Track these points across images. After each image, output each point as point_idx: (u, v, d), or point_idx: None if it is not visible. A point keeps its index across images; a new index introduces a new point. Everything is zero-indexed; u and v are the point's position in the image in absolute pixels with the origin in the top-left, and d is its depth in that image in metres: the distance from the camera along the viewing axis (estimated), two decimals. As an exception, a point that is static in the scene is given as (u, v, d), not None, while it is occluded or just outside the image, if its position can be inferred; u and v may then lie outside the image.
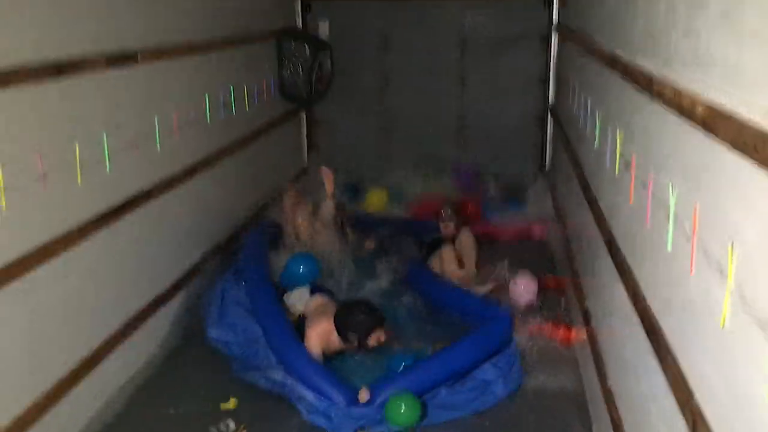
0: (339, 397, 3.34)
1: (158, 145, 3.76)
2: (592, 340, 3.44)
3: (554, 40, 6.28)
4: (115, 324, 3.39)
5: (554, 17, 6.23)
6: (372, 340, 3.80)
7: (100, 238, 3.21)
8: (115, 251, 3.40)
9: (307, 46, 6.04)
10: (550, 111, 6.46)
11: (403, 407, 3.28)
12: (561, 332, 4.16)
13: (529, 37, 6.44)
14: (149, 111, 3.69)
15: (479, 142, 6.78)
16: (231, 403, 3.45)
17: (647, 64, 2.35)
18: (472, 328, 3.95)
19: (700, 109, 1.66)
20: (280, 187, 5.62)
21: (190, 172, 4.15)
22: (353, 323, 3.78)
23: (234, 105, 4.91)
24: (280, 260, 4.62)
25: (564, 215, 5.15)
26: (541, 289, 4.61)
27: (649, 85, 2.23)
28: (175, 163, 3.97)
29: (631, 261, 2.60)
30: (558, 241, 5.14)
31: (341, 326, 3.78)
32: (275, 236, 4.99)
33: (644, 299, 2.33)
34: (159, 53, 3.74)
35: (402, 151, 6.77)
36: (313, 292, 4.23)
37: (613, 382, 2.93)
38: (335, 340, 3.81)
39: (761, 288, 1.35)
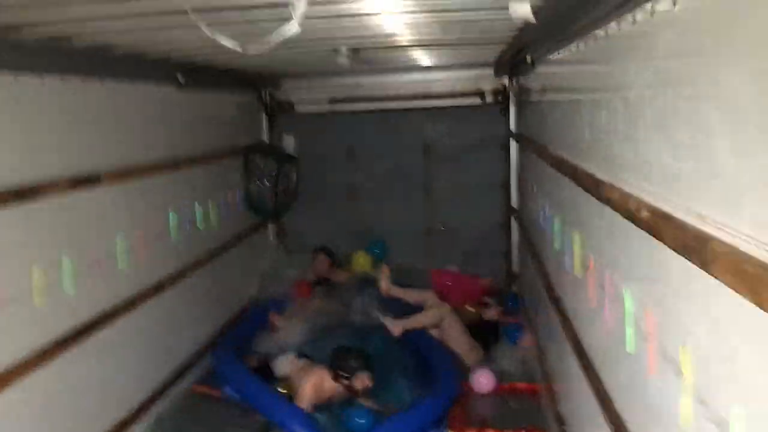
0: None
1: (122, 264, 3.73)
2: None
3: (513, 146, 6.50)
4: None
5: (511, 125, 6.46)
6: (357, 382, 4.23)
7: (62, 361, 3.12)
8: (77, 374, 3.30)
9: (273, 160, 6.16)
10: (514, 215, 6.59)
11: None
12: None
13: (489, 144, 6.65)
14: (112, 230, 3.69)
15: (447, 248, 6.85)
16: None
17: (595, 169, 2.44)
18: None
19: (644, 213, 1.72)
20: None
21: (155, 289, 4.10)
22: (346, 364, 4.23)
23: (200, 220, 4.94)
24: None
25: (533, 319, 5.15)
26: (514, 395, 4.61)
27: (597, 189, 2.31)
28: (139, 282, 3.94)
29: (596, 363, 2.59)
30: (531, 348, 5.13)
31: (335, 365, 4.25)
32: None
33: (611, 401, 2.32)
34: (123, 174, 3.78)
35: (372, 256, 6.80)
36: (300, 357, 4.69)
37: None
38: (327, 388, 4.24)
39: (717, 389, 1.36)
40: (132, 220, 3.92)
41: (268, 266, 6.52)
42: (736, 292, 1.15)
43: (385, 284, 5.45)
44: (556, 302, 3.59)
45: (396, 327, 5.12)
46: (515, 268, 6.67)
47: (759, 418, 1.17)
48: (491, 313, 5.50)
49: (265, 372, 4.65)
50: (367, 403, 4.35)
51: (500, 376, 4.78)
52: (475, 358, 5.07)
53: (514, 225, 6.63)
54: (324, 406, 4.26)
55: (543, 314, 4.42)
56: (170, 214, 4.45)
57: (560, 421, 3.64)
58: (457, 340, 5.16)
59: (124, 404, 3.73)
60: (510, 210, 6.68)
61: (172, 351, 4.39)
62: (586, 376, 2.73)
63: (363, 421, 4.14)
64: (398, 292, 5.50)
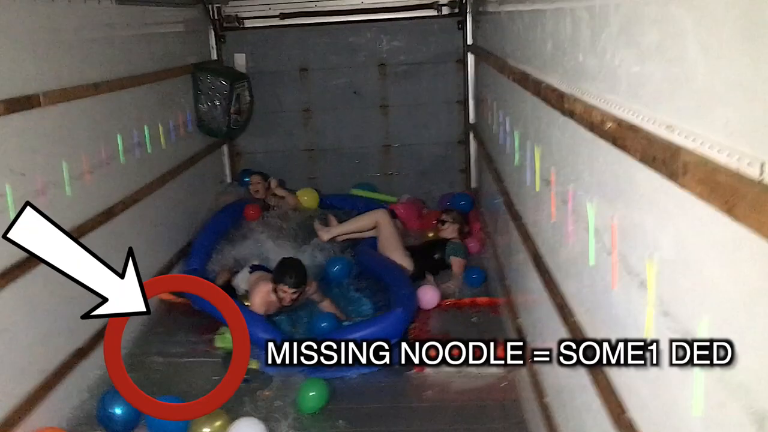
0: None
1: (68, 191, 3.59)
2: (526, 356, 3.44)
3: (470, 60, 6.38)
4: (31, 385, 3.19)
5: (468, 39, 6.32)
6: (279, 290, 4.28)
7: (7, 292, 3.02)
8: (27, 305, 3.20)
9: (224, 79, 5.93)
10: (472, 131, 6.54)
11: (313, 393, 3.61)
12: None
13: (445, 59, 6.51)
14: (56, 155, 3.52)
15: (405, 166, 6.80)
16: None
17: (558, 82, 2.38)
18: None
19: (609, 125, 1.67)
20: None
21: (105, 216, 3.97)
22: (285, 278, 4.27)
23: (149, 143, 4.76)
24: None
25: (492, 234, 5.18)
26: (476, 308, 4.69)
27: (560, 102, 2.25)
28: (88, 208, 3.80)
29: (558, 278, 2.60)
30: (491, 260, 5.17)
31: (276, 280, 4.30)
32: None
33: (572, 315, 2.33)
34: (64, 94, 3.58)
35: (329, 178, 6.71)
36: (252, 271, 4.75)
37: (549, 397, 2.93)
38: (275, 301, 4.35)
39: (681, 300, 1.35)
40: (76, 144, 3.75)
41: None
42: (707, 203, 1.12)
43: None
44: (516, 218, 3.58)
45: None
46: (474, 184, 6.67)
47: (723, 329, 1.16)
48: (449, 232, 5.50)
49: (230, 290, 4.73)
50: (329, 309, 4.57)
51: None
52: (406, 267, 5.12)
53: (472, 141, 6.58)
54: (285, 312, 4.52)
55: (503, 230, 4.44)
56: (117, 137, 4.27)
57: (520, 333, 3.70)
58: (391, 244, 5.25)
59: (78, 334, 3.65)
60: (468, 126, 6.62)
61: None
62: (546, 290, 2.74)
63: (325, 324, 4.33)
64: (340, 230, 5.50)
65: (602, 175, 1.89)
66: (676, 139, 1.27)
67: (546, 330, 2.92)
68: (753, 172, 0.99)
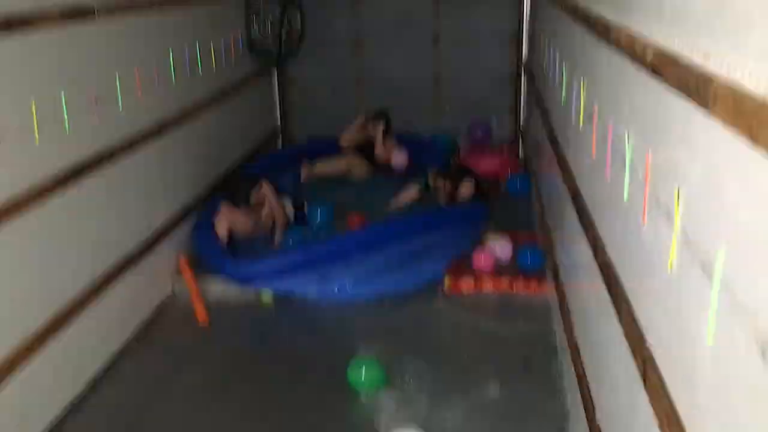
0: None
1: (120, 104, 3.69)
2: (561, 293, 3.48)
3: (527, -5, 6.22)
4: (82, 284, 3.36)
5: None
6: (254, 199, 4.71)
7: (60, 199, 3.16)
8: (80, 211, 3.35)
9: (277, 2, 5.92)
10: (524, 68, 6.42)
11: (365, 371, 3.37)
12: (531, 284, 4.28)
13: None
14: (110, 68, 3.61)
15: (454, 100, 6.74)
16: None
17: (606, 12, 2.33)
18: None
19: (650, 54, 1.65)
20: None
21: (155, 132, 4.08)
22: (227, 188, 4.74)
23: (200, 64, 4.82)
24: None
25: (536, 172, 5.16)
26: (515, 244, 4.66)
27: (606, 33, 2.21)
28: (138, 123, 3.91)
29: (593, 214, 2.61)
30: (534, 197, 5.18)
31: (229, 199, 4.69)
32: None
33: (604, 251, 2.34)
34: (118, 7, 3.64)
35: (375, 106, 6.70)
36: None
37: (578, 333, 2.97)
38: (240, 221, 4.71)
39: (703, 230, 1.36)
40: (129, 59, 3.83)
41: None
42: (733, 130, 1.12)
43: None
44: (559, 157, 3.56)
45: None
46: (523, 123, 6.59)
47: (742, 258, 1.17)
48: (466, 191, 5.38)
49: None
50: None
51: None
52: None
53: (523, 79, 6.48)
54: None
55: (546, 169, 4.42)
56: (170, 54, 4.33)
57: (555, 269, 3.73)
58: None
59: (124, 245, 3.81)
60: (520, 63, 6.50)
61: (171, 195, 4.44)
62: (582, 227, 2.75)
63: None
64: (321, 169, 6.01)
65: (641, 108, 1.87)
66: (711, 67, 1.25)
67: (579, 268, 2.94)
68: (778, 99, 0.98)
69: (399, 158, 6.17)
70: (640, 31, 1.81)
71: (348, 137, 6.24)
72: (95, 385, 3.44)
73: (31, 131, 2.94)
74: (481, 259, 4.43)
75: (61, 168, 3.16)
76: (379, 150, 6.10)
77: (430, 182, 5.39)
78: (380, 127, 6.11)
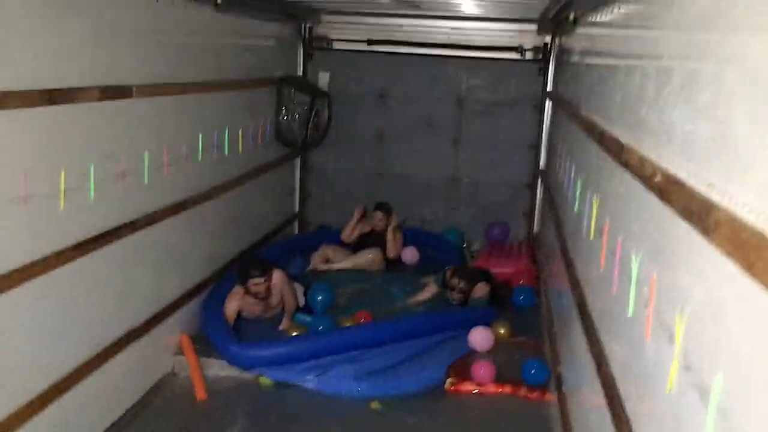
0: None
1: (146, 179, 3.80)
2: (563, 404, 3.44)
3: (547, 107, 6.41)
4: (87, 352, 3.37)
5: (548, 85, 6.37)
6: (251, 286, 4.62)
7: (80, 264, 3.22)
8: (94, 279, 3.41)
9: (306, 94, 6.15)
10: (540, 176, 6.55)
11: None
12: (535, 391, 4.24)
13: (523, 103, 6.57)
14: (140, 145, 3.74)
15: (469, 202, 6.86)
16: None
17: (620, 134, 2.42)
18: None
19: (658, 178, 1.71)
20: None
21: (177, 208, 4.18)
22: (249, 272, 4.63)
23: (228, 146, 4.98)
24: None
25: (546, 279, 5.18)
26: (519, 348, 4.69)
27: (620, 153, 2.29)
28: (161, 198, 4.01)
29: (599, 327, 2.62)
30: (543, 307, 5.17)
31: (243, 281, 4.64)
32: None
33: (607, 365, 2.34)
34: (155, 89, 3.82)
35: (394, 205, 6.82)
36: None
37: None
38: (249, 304, 4.74)
39: (703, 355, 1.37)
40: (160, 137, 3.98)
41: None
42: (731, 259, 1.16)
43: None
44: (569, 265, 3.60)
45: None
46: (536, 229, 6.66)
47: (739, 387, 1.19)
48: (480, 291, 5.40)
49: None
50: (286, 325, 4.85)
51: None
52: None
53: (539, 186, 6.59)
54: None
55: (556, 278, 4.44)
56: (199, 136, 4.49)
57: (558, 381, 3.69)
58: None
59: (136, 315, 3.84)
60: (537, 171, 6.63)
61: (184, 270, 4.49)
62: (586, 338, 2.76)
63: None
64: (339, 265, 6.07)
65: (648, 228, 1.92)
66: (714, 196, 1.31)
67: (581, 379, 2.92)
68: (774, 233, 1.03)
69: (409, 254, 6.23)
70: (649, 155, 1.89)
71: (348, 232, 6.30)
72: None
73: (57, 198, 3.03)
74: (480, 371, 4.33)
75: (81, 236, 3.23)
76: (391, 245, 6.17)
77: (447, 279, 5.41)
78: (393, 222, 6.20)
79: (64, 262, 3.09)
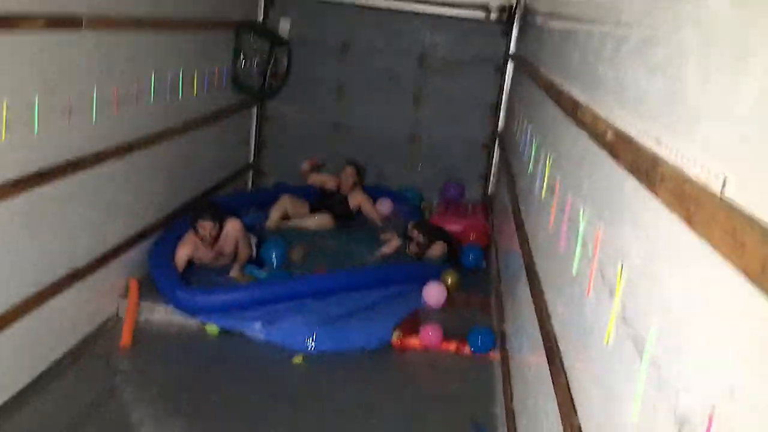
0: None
1: (94, 117, 3.68)
2: (504, 362, 3.50)
3: (509, 69, 6.40)
4: (23, 294, 3.29)
5: (511, 47, 6.35)
6: (199, 227, 4.60)
7: (22, 200, 3.12)
8: (36, 216, 3.30)
9: (266, 41, 6.01)
10: (498, 138, 6.57)
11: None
12: (452, 345, 4.32)
13: (485, 63, 6.54)
14: (89, 81, 3.61)
15: (427, 160, 6.85)
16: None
17: (576, 92, 2.43)
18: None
19: (610, 135, 1.72)
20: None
21: (125, 149, 4.06)
22: (201, 215, 4.63)
23: (181, 89, 4.85)
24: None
25: (498, 241, 5.23)
26: (468, 306, 4.77)
27: (574, 111, 2.30)
28: (109, 138, 3.89)
29: (544, 284, 2.65)
30: (493, 267, 5.24)
31: (193, 224, 4.63)
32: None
33: (549, 321, 2.38)
34: (106, 22, 3.67)
35: (350, 155, 6.77)
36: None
37: (516, 402, 2.98)
38: (201, 252, 4.71)
39: (639, 307, 1.40)
40: (110, 74, 3.84)
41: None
42: (674, 212, 1.17)
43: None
44: (520, 226, 3.63)
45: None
46: (491, 190, 6.71)
47: (670, 337, 1.21)
48: (437, 251, 5.49)
49: None
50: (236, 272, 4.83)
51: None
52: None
53: (496, 148, 6.62)
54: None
55: (507, 238, 4.49)
56: (151, 76, 4.35)
57: (503, 339, 3.76)
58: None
59: (77, 257, 3.75)
60: (495, 133, 6.65)
61: (132, 214, 4.40)
62: (532, 297, 2.80)
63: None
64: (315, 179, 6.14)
65: (598, 186, 1.94)
66: (661, 151, 1.32)
67: (525, 336, 2.97)
68: (716, 186, 1.03)
69: (386, 205, 6.27)
70: (603, 113, 1.89)
71: (316, 178, 6.28)
72: (23, 397, 3.33)
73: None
74: (429, 333, 4.32)
75: (23, 171, 3.12)
76: (372, 214, 6.15)
77: (408, 231, 5.44)
78: (352, 176, 6.17)
79: (3, 197, 2.99)
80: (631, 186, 1.50)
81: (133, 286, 4.27)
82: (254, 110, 6.81)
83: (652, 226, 1.36)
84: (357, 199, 6.17)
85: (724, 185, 1.02)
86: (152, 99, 4.40)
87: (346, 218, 6.11)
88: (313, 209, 6.10)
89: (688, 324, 1.14)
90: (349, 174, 6.16)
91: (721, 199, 1.02)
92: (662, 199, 1.24)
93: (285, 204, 6.01)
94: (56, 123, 3.33)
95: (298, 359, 4.01)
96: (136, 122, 4.23)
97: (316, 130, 6.85)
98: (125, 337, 4.00)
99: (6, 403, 3.22)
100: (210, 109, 5.50)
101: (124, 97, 4.01)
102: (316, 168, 6.36)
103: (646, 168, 1.36)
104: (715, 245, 1.00)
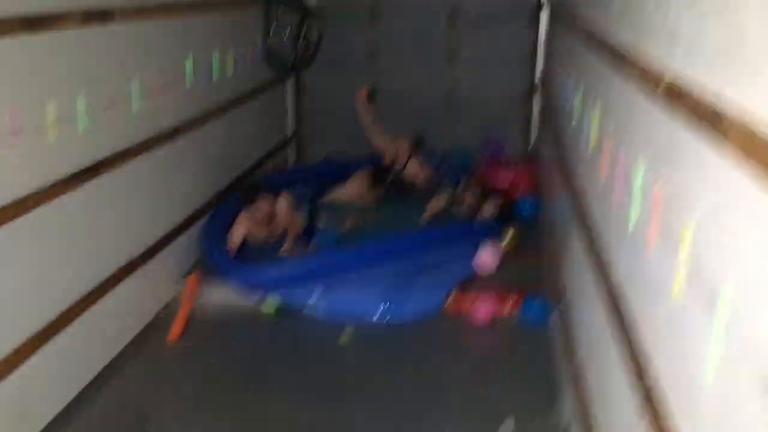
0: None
1: (135, 107, 3.72)
2: (564, 319, 3.48)
3: (544, 18, 6.24)
4: (88, 285, 3.38)
5: (544, -7, 6.18)
6: (259, 206, 4.71)
7: (73, 197, 3.18)
8: (89, 211, 3.37)
9: (296, 13, 5.96)
10: (537, 90, 6.44)
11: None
12: (507, 304, 4.20)
13: (517, 14, 6.39)
14: (127, 72, 3.64)
15: (467, 117, 6.76)
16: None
17: (622, 41, 2.35)
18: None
19: (663, 86, 1.66)
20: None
21: (167, 137, 4.10)
22: (245, 196, 4.77)
23: (216, 70, 4.86)
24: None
25: (545, 194, 5.17)
26: (521, 262, 4.74)
27: (621, 62, 2.23)
28: (152, 126, 3.93)
29: (600, 237, 2.61)
30: (543, 218, 5.18)
31: (250, 204, 4.73)
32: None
33: (609, 277, 2.35)
34: (138, 12, 3.68)
35: (389, 120, 6.70)
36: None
37: (579, 361, 2.96)
38: (256, 229, 4.76)
39: (711, 263, 1.36)
40: (147, 62, 3.86)
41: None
42: (744, 168, 1.13)
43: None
44: (568, 178, 3.57)
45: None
46: (534, 143, 6.61)
47: (748, 294, 1.18)
48: (490, 210, 5.40)
49: None
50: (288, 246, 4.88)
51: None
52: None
53: (535, 100, 6.50)
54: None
55: (556, 190, 4.42)
56: (186, 60, 4.37)
57: (559, 293, 3.72)
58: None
59: (132, 247, 3.83)
60: (533, 84, 6.52)
61: (180, 199, 4.46)
62: (588, 251, 2.76)
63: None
64: (330, 198, 5.85)
65: (651, 138, 1.88)
66: (723, 103, 1.26)
67: (584, 293, 2.94)
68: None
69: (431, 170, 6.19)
70: (653, 63, 1.83)
71: (380, 138, 6.19)
72: (93, 388, 3.43)
73: (45, 131, 2.97)
74: (479, 311, 4.17)
75: (72, 169, 3.18)
76: (411, 168, 6.07)
77: (457, 194, 5.40)
78: (407, 147, 6.09)
79: (57, 195, 3.05)
80: (690, 140, 1.46)
81: (192, 281, 4.29)
82: (289, 84, 6.79)
83: (719, 181, 1.31)
84: (413, 170, 6.09)
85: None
86: (189, 83, 4.42)
87: (398, 188, 6.02)
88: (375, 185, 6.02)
89: (765, 280, 1.10)
90: (402, 145, 6.09)
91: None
92: (729, 155, 1.19)
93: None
94: (100, 117, 3.38)
95: (344, 339, 3.95)
96: (176, 108, 4.26)
97: (352, 99, 6.80)
98: (175, 331, 3.94)
99: (69, 405, 3.28)
100: (247, 87, 5.50)
101: (163, 85, 4.04)
102: (373, 95, 6.25)
103: (708, 121, 1.31)
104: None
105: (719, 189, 1.34)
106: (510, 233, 4.95)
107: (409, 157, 6.08)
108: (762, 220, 1.12)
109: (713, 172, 1.36)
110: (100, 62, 3.39)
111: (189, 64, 4.39)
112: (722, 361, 1.27)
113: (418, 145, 6.14)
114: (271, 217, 4.75)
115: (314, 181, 6.09)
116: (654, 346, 1.75)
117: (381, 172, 6.03)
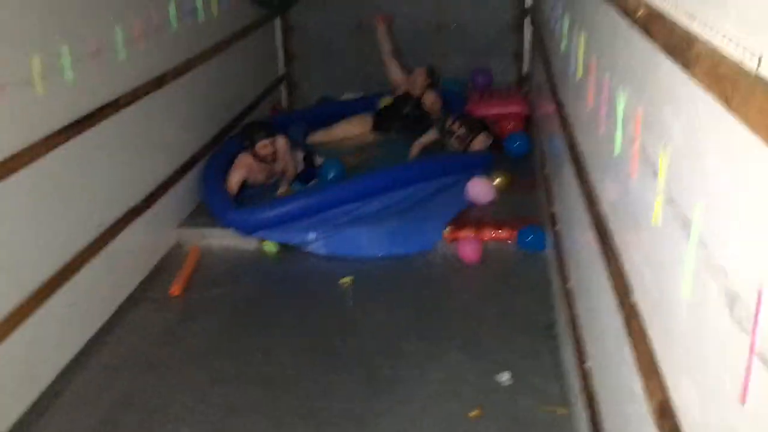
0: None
1: (121, 55, 3.70)
2: (558, 242, 3.54)
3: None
4: (89, 237, 3.43)
5: None
6: (259, 149, 4.71)
7: (67, 149, 3.20)
8: (84, 163, 3.40)
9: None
10: (528, 16, 6.35)
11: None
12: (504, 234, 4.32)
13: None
14: (109, 19, 3.61)
15: (458, 46, 6.68)
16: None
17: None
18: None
19: (642, 11, 1.66)
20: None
21: (156, 83, 4.09)
22: (255, 136, 4.72)
23: (201, 11, 4.79)
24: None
25: (537, 120, 5.17)
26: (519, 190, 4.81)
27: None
28: (140, 74, 3.92)
29: (588, 165, 2.65)
30: (536, 149, 5.20)
31: (251, 145, 4.72)
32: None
33: (598, 202, 2.39)
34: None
35: (377, 54, 6.62)
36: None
37: (572, 281, 3.04)
38: (256, 169, 4.79)
39: (684, 188, 1.40)
40: (130, 8, 3.82)
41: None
42: (710, 93, 1.15)
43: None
44: (558, 105, 3.58)
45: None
46: (526, 69, 6.55)
47: (717, 218, 1.22)
48: (480, 143, 5.39)
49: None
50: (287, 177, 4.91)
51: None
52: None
53: (527, 26, 6.41)
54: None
55: (546, 118, 4.43)
56: (170, 2, 4.31)
57: (553, 219, 3.79)
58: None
59: (124, 199, 3.86)
60: (524, 10, 6.42)
61: (176, 145, 4.48)
62: (577, 178, 2.79)
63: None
64: (323, 137, 5.86)
65: (633, 65, 1.89)
66: (695, 28, 1.28)
67: (574, 218, 2.99)
68: (751, 65, 1.01)
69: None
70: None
71: (396, 69, 6.17)
72: (101, 337, 3.52)
73: (33, 84, 2.97)
74: (467, 250, 4.24)
75: (64, 120, 3.19)
76: (428, 99, 6.02)
77: (447, 127, 5.39)
78: (423, 77, 6.06)
79: (50, 149, 3.07)
80: (667, 65, 1.47)
81: (193, 252, 4.31)
82: (276, 23, 6.69)
83: (691, 106, 1.34)
84: (430, 100, 6.03)
85: (759, 64, 1.00)
86: (175, 27, 4.37)
87: (420, 121, 5.95)
88: (377, 126, 5.99)
89: (733, 204, 1.14)
90: (420, 75, 6.03)
91: (755, 77, 1.00)
92: (698, 80, 1.22)
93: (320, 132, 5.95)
94: (86, 68, 3.37)
95: (345, 279, 4.03)
96: (164, 53, 4.23)
97: (340, 34, 6.72)
98: (177, 287, 3.96)
99: (77, 355, 3.36)
100: (233, 28, 5.44)
101: (147, 30, 4.00)
102: (390, 23, 6.18)
103: (681, 46, 1.32)
104: (752, 125, 0.99)
105: (689, 115, 1.36)
106: (501, 177, 4.95)
107: (426, 88, 6.03)
108: (726, 146, 1.16)
109: (684, 99, 1.38)
110: (81, 13, 3.36)
111: (172, 8, 4.33)
112: (695, 282, 1.32)
113: (432, 76, 6.08)
114: (273, 156, 4.76)
115: (313, 123, 6.04)
116: (637, 270, 1.81)
117: (383, 118, 5.99)
